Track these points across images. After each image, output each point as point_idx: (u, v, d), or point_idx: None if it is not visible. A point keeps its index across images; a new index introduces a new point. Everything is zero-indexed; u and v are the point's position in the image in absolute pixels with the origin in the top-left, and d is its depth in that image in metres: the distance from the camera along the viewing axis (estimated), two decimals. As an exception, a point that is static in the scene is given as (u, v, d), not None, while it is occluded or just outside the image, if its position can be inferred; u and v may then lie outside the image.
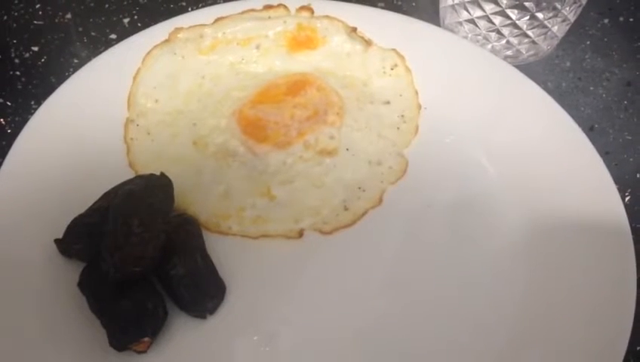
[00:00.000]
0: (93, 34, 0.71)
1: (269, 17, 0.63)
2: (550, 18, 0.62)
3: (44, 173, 0.54)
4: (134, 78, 0.61)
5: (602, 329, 0.47)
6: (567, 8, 0.62)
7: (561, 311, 0.49)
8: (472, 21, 0.65)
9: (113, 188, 0.51)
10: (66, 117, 0.57)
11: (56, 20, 0.72)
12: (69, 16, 0.72)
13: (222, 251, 0.52)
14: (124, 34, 0.69)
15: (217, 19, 0.64)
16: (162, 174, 0.51)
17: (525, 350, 0.48)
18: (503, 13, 0.62)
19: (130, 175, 0.55)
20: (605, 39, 0.71)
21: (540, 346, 0.48)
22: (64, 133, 0.57)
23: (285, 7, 0.64)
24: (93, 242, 0.48)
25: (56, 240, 0.50)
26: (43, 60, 0.68)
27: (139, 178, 0.52)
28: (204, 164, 0.57)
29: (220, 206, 0.55)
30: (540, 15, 0.62)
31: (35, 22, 0.72)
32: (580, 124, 0.57)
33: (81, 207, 0.51)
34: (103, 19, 0.72)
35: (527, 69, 0.65)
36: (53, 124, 0.57)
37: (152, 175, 0.51)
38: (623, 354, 0.45)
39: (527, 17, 0.62)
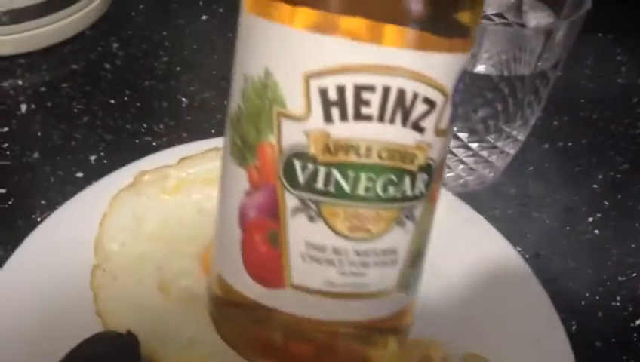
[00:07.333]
0: (60, 173, 0.72)
1: (232, 157, 0.66)
2: (491, 155, 0.67)
3: (11, 323, 0.54)
4: (101, 223, 0.62)
5: None
6: (504, 143, 0.67)
7: None
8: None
9: (73, 350, 0.48)
10: (35, 269, 0.58)
11: (24, 160, 0.73)
12: (36, 155, 0.74)
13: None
14: (91, 171, 0.72)
15: (182, 159, 0.66)
16: (129, 332, 0.50)
17: None
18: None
19: (98, 324, 0.54)
20: (546, 164, 0.76)
21: None
22: (33, 287, 0.57)
23: (247, 147, 0.66)
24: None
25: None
26: (10, 203, 0.69)
27: (102, 338, 0.50)
28: (170, 310, 0.57)
29: (182, 356, 0.54)
30: (483, 153, 0.67)
31: (2, 162, 0.73)
32: (526, 252, 0.61)
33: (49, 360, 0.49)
34: (69, 157, 0.74)
35: (476, 196, 0.69)
36: (21, 276, 0.57)
37: (118, 335, 0.50)
38: None
39: (470, 153, 0.67)
